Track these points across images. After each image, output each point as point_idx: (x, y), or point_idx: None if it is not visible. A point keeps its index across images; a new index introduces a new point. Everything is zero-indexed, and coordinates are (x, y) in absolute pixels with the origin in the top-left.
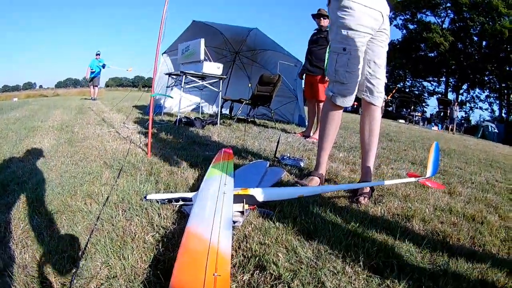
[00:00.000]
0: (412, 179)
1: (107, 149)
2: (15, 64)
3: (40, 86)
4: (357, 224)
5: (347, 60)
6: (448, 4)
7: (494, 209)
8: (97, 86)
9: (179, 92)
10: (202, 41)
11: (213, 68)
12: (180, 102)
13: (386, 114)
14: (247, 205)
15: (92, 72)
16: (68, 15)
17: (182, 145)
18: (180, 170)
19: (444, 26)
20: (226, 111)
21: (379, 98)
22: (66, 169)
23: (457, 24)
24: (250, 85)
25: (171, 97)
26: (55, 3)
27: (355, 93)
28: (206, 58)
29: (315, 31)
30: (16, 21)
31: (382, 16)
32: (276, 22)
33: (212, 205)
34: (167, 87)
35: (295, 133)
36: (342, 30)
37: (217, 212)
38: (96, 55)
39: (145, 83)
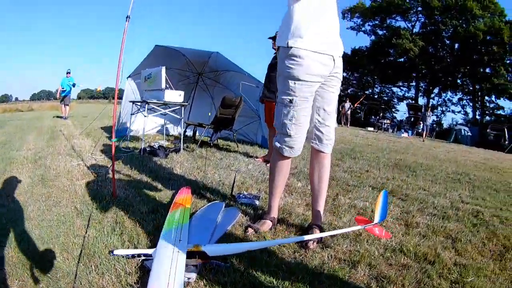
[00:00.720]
0: (359, 227)
1: (77, 191)
2: None
3: (16, 99)
4: (302, 275)
5: (294, 112)
6: (419, 9)
7: (453, 241)
8: (67, 105)
9: (143, 118)
10: (163, 69)
11: (175, 96)
12: (144, 129)
13: (354, 122)
14: (200, 259)
15: (63, 91)
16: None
17: (146, 181)
18: (143, 217)
19: (414, 30)
20: (190, 132)
21: (328, 146)
22: (43, 216)
23: (428, 28)
24: (210, 114)
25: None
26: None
27: (303, 142)
28: (167, 86)
29: (275, 55)
30: None
31: (334, 60)
32: (236, 45)
33: (168, 264)
34: (131, 114)
35: (256, 157)
36: (290, 81)
37: (172, 272)
38: (67, 73)
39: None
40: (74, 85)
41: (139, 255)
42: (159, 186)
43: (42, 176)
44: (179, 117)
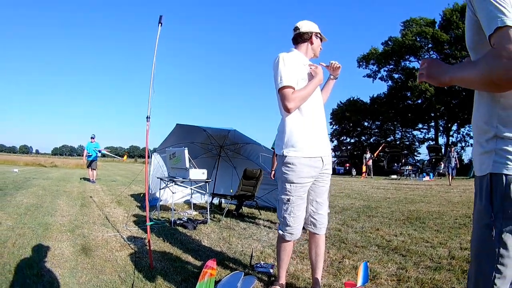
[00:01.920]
0: None
1: (117, 261)
2: (11, 123)
3: (37, 151)
4: None
5: (291, 208)
6: (430, 45)
7: None
8: (94, 169)
9: (171, 192)
10: (186, 151)
11: (199, 174)
12: (173, 204)
13: (378, 171)
14: None
15: (89, 156)
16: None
17: (178, 253)
18: (177, 285)
19: None
20: (215, 200)
21: (322, 229)
22: (92, 283)
23: None
24: (232, 190)
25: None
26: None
27: (301, 228)
28: (191, 165)
29: None
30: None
31: (322, 160)
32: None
33: None
34: (160, 188)
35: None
36: (287, 184)
37: None
38: (91, 138)
39: (140, 153)
40: (100, 151)
41: None
42: (189, 257)
43: (83, 245)
44: (204, 191)
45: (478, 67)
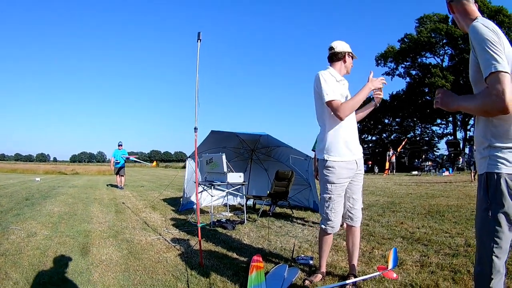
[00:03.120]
0: (378, 273)
1: (168, 262)
2: (26, 132)
3: (55, 159)
4: None
5: (332, 205)
6: (445, 41)
7: (454, 273)
8: (123, 175)
9: (205, 196)
10: (223, 156)
11: (236, 177)
12: (212, 206)
13: (400, 167)
14: None
15: (117, 163)
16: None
17: (223, 251)
18: (230, 279)
19: (444, 64)
20: (249, 202)
21: (357, 222)
22: (147, 283)
23: (456, 59)
24: (268, 191)
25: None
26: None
27: (340, 222)
28: (229, 169)
29: None
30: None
31: (357, 162)
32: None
33: None
34: (199, 192)
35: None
36: (328, 184)
37: None
38: (119, 146)
39: (161, 158)
40: (128, 158)
41: None
42: (234, 254)
43: (129, 250)
44: (241, 194)
45: (477, 100)
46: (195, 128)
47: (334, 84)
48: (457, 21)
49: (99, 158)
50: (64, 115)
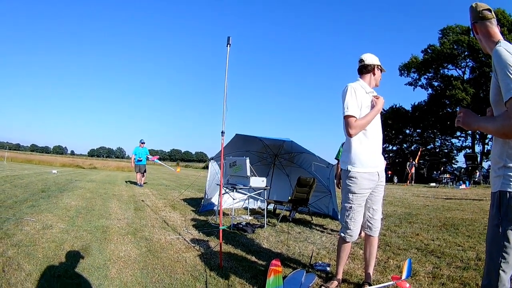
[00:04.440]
0: (392, 283)
1: (187, 261)
2: (44, 123)
3: (72, 152)
4: None
5: (353, 215)
6: (466, 53)
7: (464, 286)
8: (144, 173)
9: (231, 199)
10: (247, 160)
11: (258, 182)
12: (233, 210)
13: (418, 179)
14: None
15: (139, 161)
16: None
17: (242, 254)
18: (248, 281)
19: (465, 76)
20: (270, 206)
21: (376, 232)
22: (166, 281)
23: (477, 72)
24: (289, 198)
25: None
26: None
27: (358, 231)
28: (252, 173)
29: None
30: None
31: (378, 174)
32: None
33: None
34: (222, 194)
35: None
36: (349, 194)
37: None
38: (141, 143)
39: (181, 157)
40: (151, 159)
41: None
42: (253, 258)
43: (148, 248)
44: (262, 198)
45: (496, 122)
46: (222, 132)
47: (364, 96)
48: (480, 42)
49: (118, 154)
50: (84, 109)
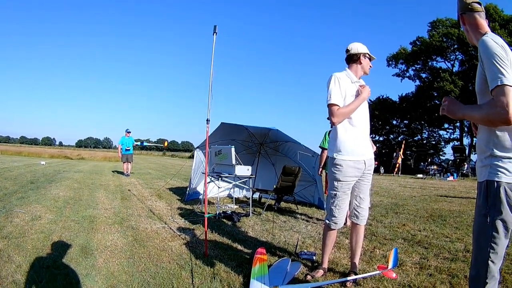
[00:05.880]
0: (378, 272)
1: (173, 250)
2: (32, 115)
3: (60, 143)
4: None
5: (337, 201)
6: (456, 46)
7: (451, 277)
8: (131, 162)
9: (216, 187)
10: (233, 149)
11: (244, 170)
12: (219, 198)
13: (405, 170)
14: None
15: (127, 150)
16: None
17: (227, 243)
18: (233, 269)
19: (454, 69)
20: (256, 195)
21: (363, 220)
22: (152, 270)
23: (466, 65)
24: (275, 186)
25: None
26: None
27: (344, 219)
28: (237, 162)
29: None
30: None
31: (365, 163)
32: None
33: None
34: (207, 182)
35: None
36: (334, 182)
37: None
38: (127, 132)
39: (168, 147)
40: (142, 143)
41: None
42: (239, 246)
43: (134, 237)
44: (247, 187)
45: (481, 110)
46: (207, 120)
47: (349, 85)
48: (466, 33)
49: (105, 144)
50: (71, 100)
